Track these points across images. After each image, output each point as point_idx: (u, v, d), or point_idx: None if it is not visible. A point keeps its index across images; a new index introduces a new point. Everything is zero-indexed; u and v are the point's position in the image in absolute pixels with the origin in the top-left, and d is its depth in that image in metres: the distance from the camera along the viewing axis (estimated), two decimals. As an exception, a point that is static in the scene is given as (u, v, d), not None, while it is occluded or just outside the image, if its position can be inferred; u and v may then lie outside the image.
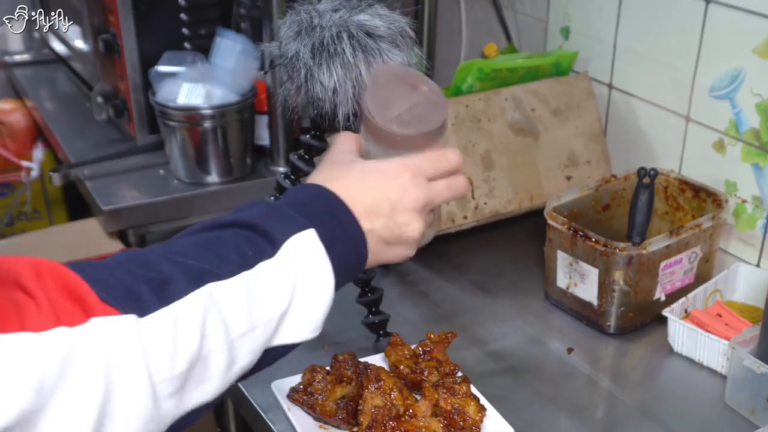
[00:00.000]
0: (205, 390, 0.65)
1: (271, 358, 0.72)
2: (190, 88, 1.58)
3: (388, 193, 0.78)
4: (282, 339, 0.71)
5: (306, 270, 0.70)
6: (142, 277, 0.62)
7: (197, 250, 0.68)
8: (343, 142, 0.84)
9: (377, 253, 0.79)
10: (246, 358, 0.68)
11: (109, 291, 0.59)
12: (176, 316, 0.61)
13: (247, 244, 0.69)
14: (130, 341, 0.58)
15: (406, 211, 0.79)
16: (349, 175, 0.79)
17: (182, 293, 0.63)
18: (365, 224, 0.76)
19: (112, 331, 0.58)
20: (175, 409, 0.62)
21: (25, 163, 2.13)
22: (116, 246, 1.59)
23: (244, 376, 0.70)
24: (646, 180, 1.20)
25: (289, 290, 0.69)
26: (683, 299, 1.19)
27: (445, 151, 0.84)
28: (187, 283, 0.63)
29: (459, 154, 0.84)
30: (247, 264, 0.68)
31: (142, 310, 0.60)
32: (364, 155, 0.84)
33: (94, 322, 0.57)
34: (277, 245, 0.70)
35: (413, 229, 0.80)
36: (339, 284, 0.74)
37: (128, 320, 0.59)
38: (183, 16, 1.69)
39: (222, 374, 0.65)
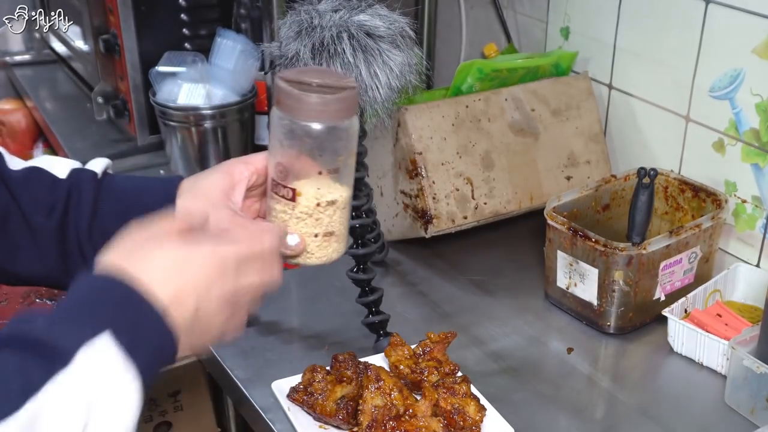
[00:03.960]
0: None
1: None
2: (190, 89, 1.58)
3: (196, 284, 0.68)
4: None
5: (103, 382, 0.60)
6: None
7: None
8: (171, 223, 0.71)
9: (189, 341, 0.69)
10: None
11: None
12: None
13: (30, 366, 0.58)
14: None
15: (213, 302, 0.70)
16: (155, 255, 0.68)
17: None
18: (174, 312, 0.66)
19: None
20: None
21: (25, 163, 2.13)
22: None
23: None
24: (646, 180, 1.20)
25: (83, 411, 0.58)
26: (683, 299, 1.19)
27: (262, 231, 0.76)
28: None
29: (275, 237, 0.77)
30: (32, 389, 0.57)
31: None
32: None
33: None
34: (65, 360, 0.59)
35: (222, 321, 0.71)
36: (149, 382, 0.64)
37: None
38: (183, 16, 1.69)
39: None
